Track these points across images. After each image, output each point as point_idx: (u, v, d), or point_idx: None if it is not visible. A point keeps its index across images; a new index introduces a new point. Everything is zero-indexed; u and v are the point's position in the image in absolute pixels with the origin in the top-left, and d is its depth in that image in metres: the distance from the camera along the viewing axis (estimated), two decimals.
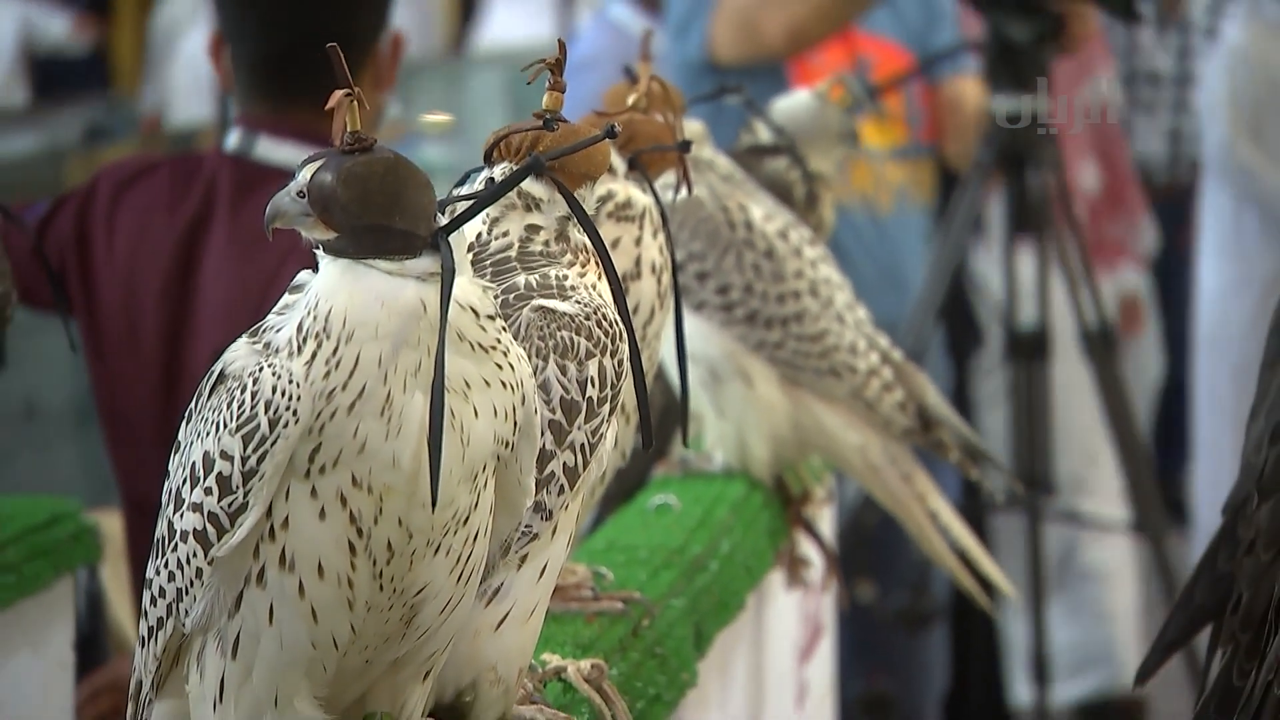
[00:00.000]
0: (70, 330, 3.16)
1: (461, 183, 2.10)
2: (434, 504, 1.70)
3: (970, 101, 4.91)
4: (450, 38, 13.12)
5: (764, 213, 2.89)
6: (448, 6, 13.62)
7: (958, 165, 4.89)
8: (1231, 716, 1.98)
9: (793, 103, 3.23)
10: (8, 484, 6.11)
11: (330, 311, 1.72)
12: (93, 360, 3.37)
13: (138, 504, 3.38)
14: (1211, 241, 6.84)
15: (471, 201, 1.82)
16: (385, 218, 1.72)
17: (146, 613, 1.83)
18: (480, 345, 1.75)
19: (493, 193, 1.85)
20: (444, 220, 1.77)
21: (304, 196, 1.74)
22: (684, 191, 2.41)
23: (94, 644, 3.88)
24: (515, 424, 1.80)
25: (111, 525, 3.56)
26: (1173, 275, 7.61)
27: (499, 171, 2.04)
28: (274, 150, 3.32)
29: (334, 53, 1.74)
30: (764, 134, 3.19)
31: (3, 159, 7.95)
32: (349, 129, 1.74)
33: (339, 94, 1.74)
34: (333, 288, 1.73)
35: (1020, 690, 5.79)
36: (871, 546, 4.42)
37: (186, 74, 10.12)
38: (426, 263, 1.73)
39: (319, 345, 1.71)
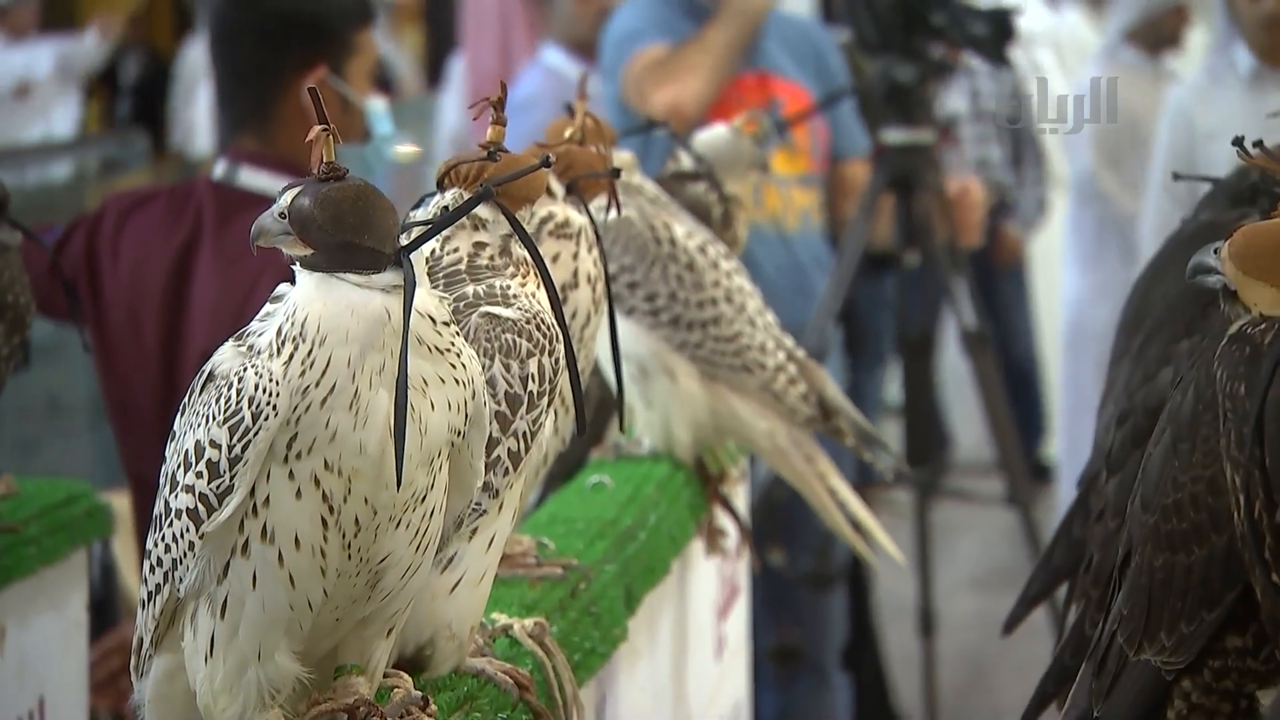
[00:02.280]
0: (83, 335, 3.16)
1: (417, 206, 2.09)
2: (399, 485, 1.70)
3: (860, 181, 4.92)
4: (424, 76, 13.08)
5: (685, 231, 2.89)
6: (421, 49, 13.61)
7: (843, 218, 4.90)
8: (1082, 660, 1.99)
9: (711, 135, 3.23)
10: (34, 469, 6.08)
11: (306, 318, 1.72)
12: (101, 360, 3.36)
13: (141, 484, 3.37)
14: (1075, 255, 6.87)
15: (429, 224, 1.82)
16: (356, 236, 1.72)
17: (146, 580, 1.83)
18: (436, 348, 1.75)
19: (449, 218, 1.85)
20: (406, 239, 1.77)
21: (284, 218, 1.74)
22: (614, 212, 2.41)
23: (107, 608, 3.86)
24: (466, 416, 1.80)
25: (124, 504, 3.54)
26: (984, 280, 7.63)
27: (450, 196, 2.04)
28: (254, 179, 3.32)
29: (312, 94, 1.74)
30: (686, 162, 3.19)
31: (41, 186, 7.91)
32: (324, 160, 1.74)
33: (316, 129, 1.74)
34: (308, 298, 1.73)
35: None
36: (780, 518, 4.42)
37: (206, 112, 10.09)
38: (391, 276, 1.73)
39: (296, 348, 1.71)
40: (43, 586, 2.84)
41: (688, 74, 4.49)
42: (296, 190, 1.74)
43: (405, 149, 3.89)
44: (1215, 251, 1.72)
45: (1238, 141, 1.95)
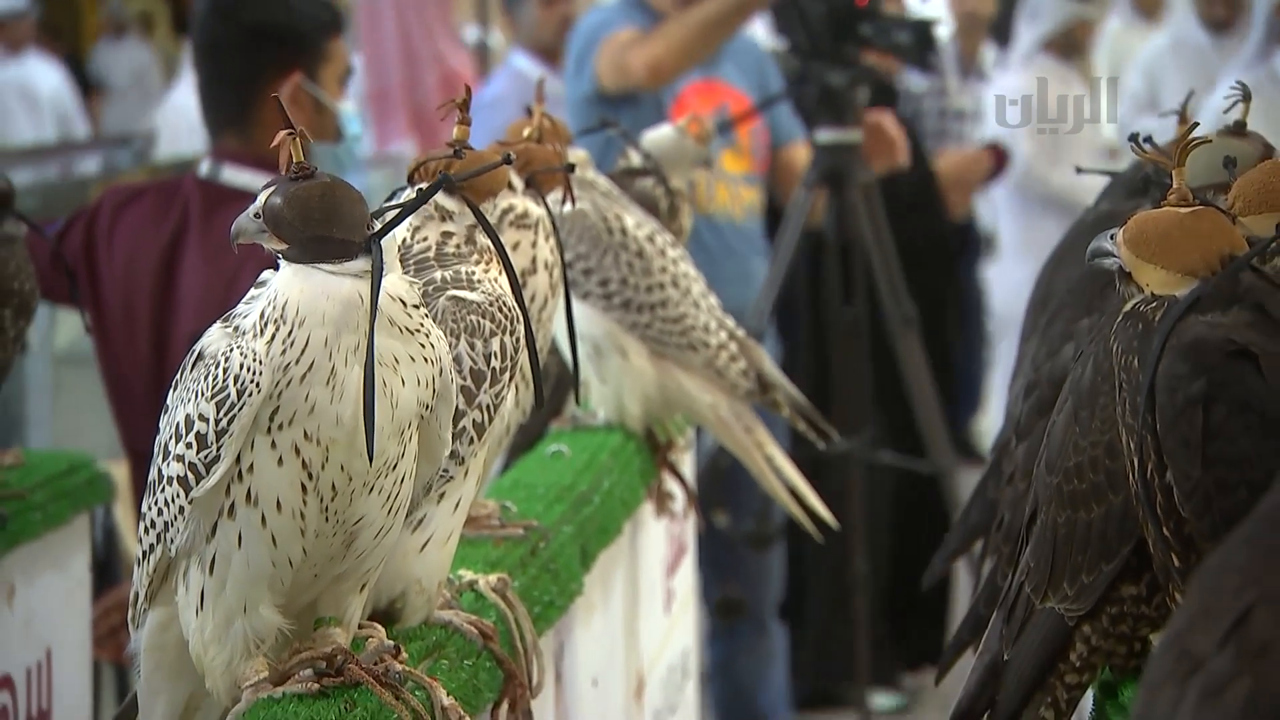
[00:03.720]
0: (84, 318, 3.17)
1: (390, 199, 2.09)
2: (370, 456, 1.70)
3: (799, 160, 4.92)
4: None
5: (635, 221, 2.89)
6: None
7: (787, 202, 4.90)
8: (994, 609, 2.00)
9: (658, 134, 3.24)
10: (42, 441, 6.06)
11: (286, 303, 1.72)
12: (99, 340, 3.35)
13: (135, 453, 3.36)
14: (1010, 244, 6.92)
15: (395, 212, 1.81)
16: (323, 230, 1.72)
17: (141, 540, 1.83)
18: (407, 329, 1.75)
19: (411, 206, 1.84)
20: (376, 228, 1.76)
21: (259, 217, 1.74)
22: (569, 205, 2.41)
23: (110, 568, 3.85)
24: (435, 391, 1.80)
25: (123, 473, 3.54)
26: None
27: (415, 190, 2.04)
28: (236, 176, 3.33)
29: (277, 101, 1.74)
30: (635, 159, 3.19)
31: (49, 184, 7.87)
32: (294, 160, 1.74)
33: (282, 133, 1.74)
34: (287, 284, 1.73)
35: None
36: (724, 484, 4.43)
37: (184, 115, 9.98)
38: (361, 263, 1.73)
39: (277, 329, 1.71)
40: (48, 548, 2.83)
41: (668, 38, 4.44)
42: (270, 190, 1.74)
43: None
44: (1111, 237, 1.73)
45: (1133, 138, 1.96)
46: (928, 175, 5.85)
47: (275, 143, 1.72)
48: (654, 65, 4.42)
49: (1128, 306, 1.72)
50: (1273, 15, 4.62)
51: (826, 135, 4.57)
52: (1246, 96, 2.08)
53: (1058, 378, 2.21)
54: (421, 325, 1.77)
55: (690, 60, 4.45)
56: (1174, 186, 1.70)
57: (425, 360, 1.77)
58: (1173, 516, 1.65)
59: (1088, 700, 1.98)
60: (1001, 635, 1.95)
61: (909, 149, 5.10)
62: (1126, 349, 1.69)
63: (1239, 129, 2.15)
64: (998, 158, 6.29)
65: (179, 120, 7.50)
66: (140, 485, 3.20)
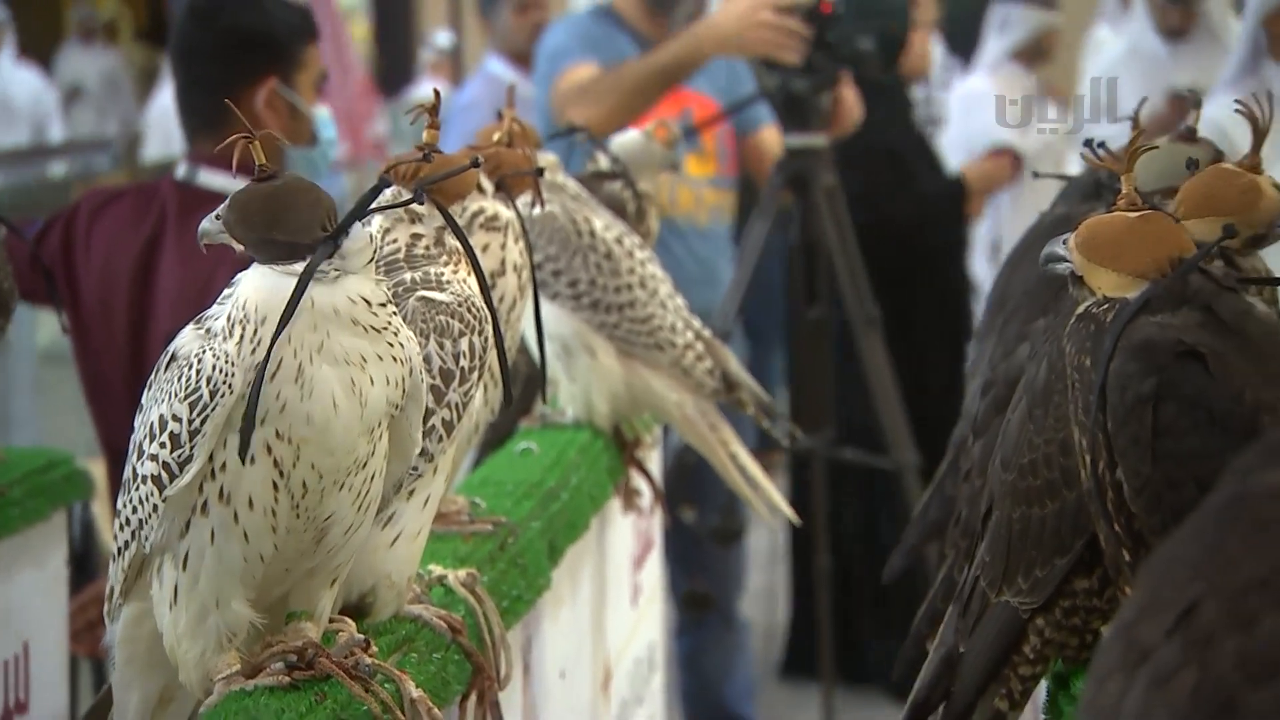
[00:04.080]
0: (61, 318, 3.15)
1: (365, 199, 2.08)
2: (243, 456, 1.67)
3: (772, 144, 4.92)
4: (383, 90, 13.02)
5: (604, 224, 2.90)
6: (375, 68, 13.53)
7: (761, 186, 4.89)
8: (950, 602, 2.01)
9: (626, 139, 3.24)
10: (26, 438, 6.03)
11: (247, 303, 1.71)
12: (77, 340, 3.34)
13: (112, 451, 3.35)
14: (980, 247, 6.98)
15: (349, 214, 1.79)
16: (265, 232, 1.71)
17: (116, 536, 1.82)
18: (373, 327, 1.74)
19: (359, 207, 1.79)
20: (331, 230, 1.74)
21: (219, 219, 1.74)
22: (538, 207, 2.41)
23: (87, 563, 3.83)
24: (404, 390, 1.79)
25: (101, 470, 3.52)
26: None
27: (390, 193, 2.02)
28: (213, 179, 3.32)
29: (231, 107, 1.74)
30: (604, 163, 3.20)
31: (29, 185, 7.83)
32: (257, 163, 1.73)
33: (234, 137, 1.73)
34: (251, 286, 1.72)
35: None
36: (691, 480, 4.42)
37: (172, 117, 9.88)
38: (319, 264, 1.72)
39: (244, 330, 1.70)
40: (26, 544, 2.82)
41: (602, 100, 4.42)
42: (236, 193, 1.74)
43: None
44: (1064, 242, 1.74)
45: (1087, 143, 1.97)
46: (957, 184, 5.89)
47: (223, 145, 1.72)
48: (591, 124, 4.42)
49: (1080, 309, 1.72)
50: (1258, 27, 4.54)
51: (792, 140, 4.57)
52: (1196, 104, 2.09)
53: (1013, 377, 2.22)
54: (389, 324, 1.76)
55: (626, 119, 4.39)
56: (1123, 191, 1.71)
57: (394, 360, 1.76)
58: (1123, 512, 1.66)
59: (1041, 691, 1.99)
60: (957, 628, 1.96)
61: (931, 160, 5.09)
62: (1079, 349, 1.70)
63: (1190, 135, 2.16)
64: (1015, 162, 6.33)
65: (168, 122, 7.47)
66: (117, 482, 3.19)
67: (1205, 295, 1.64)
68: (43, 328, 5.96)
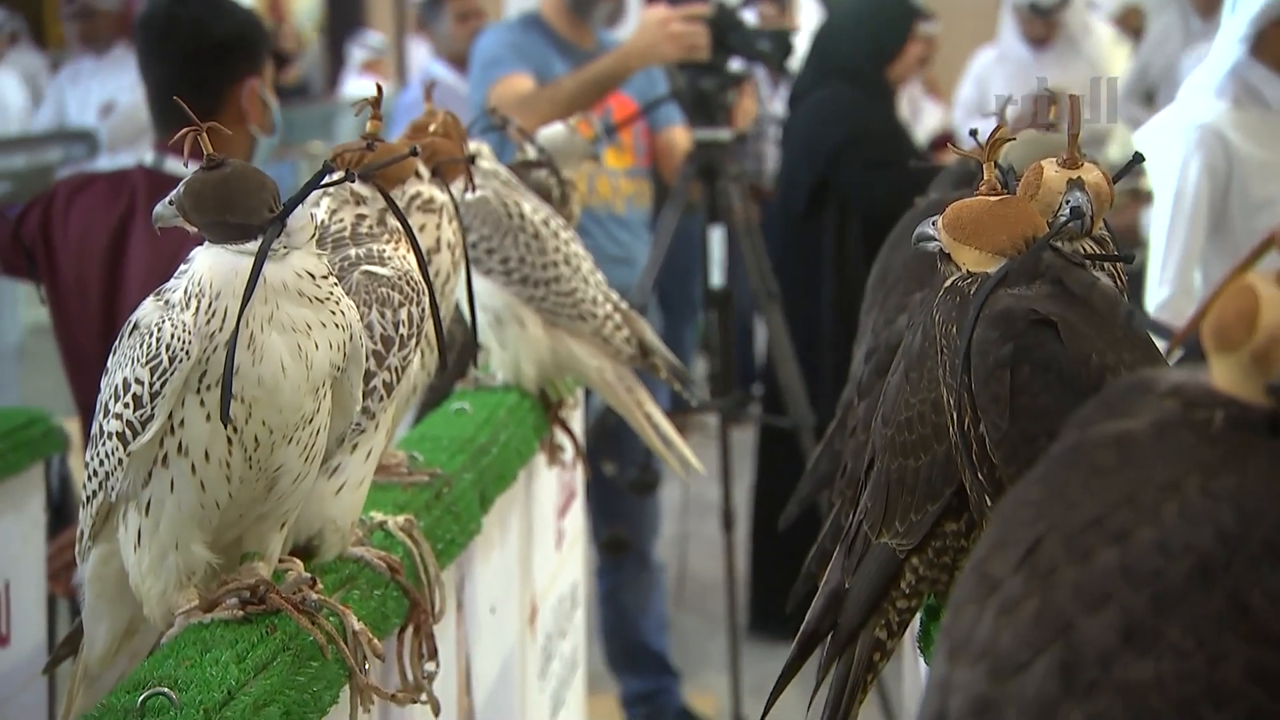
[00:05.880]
0: (40, 292, 3.12)
1: (311, 183, 2.06)
2: (225, 420, 1.66)
3: (679, 142, 4.92)
4: (324, 88, 12.88)
5: (532, 207, 2.89)
6: (324, 66, 13.39)
7: (671, 181, 4.89)
8: (837, 545, 2.02)
9: (551, 132, 3.23)
10: (9, 401, 5.95)
11: (202, 278, 1.70)
12: (55, 312, 3.30)
13: (87, 411, 3.31)
14: None
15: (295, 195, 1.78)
16: (218, 215, 1.70)
17: (85, 486, 1.81)
18: (317, 298, 1.73)
19: (304, 191, 1.77)
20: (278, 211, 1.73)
21: (173, 203, 1.73)
22: (471, 192, 2.40)
23: (65, 511, 3.78)
24: (345, 353, 1.78)
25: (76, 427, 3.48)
26: None
27: (335, 178, 2.01)
28: (178, 166, 3.28)
29: (181, 101, 1.72)
30: (531, 153, 3.19)
31: (20, 172, 7.69)
32: (205, 153, 1.72)
33: (185, 129, 1.71)
34: (205, 263, 1.71)
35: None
36: (612, 437, 4.44)
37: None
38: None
39: (199, 302, 1.69)
40: (7, 493, 2.80)
41: (540, 110, 4.39)
42: (185, 181, 1.73)
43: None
44: (934, 223, 1.75)
45: (973, 133, 1.97)
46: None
47: (177, 138, 1.70)
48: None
49: (948, 282, 1.73)
50: (1253, 33, 4.30)
51: (700, 134, 4.58)
52: (1053, 99, 2.10)
53: (894, 344, 2.23)
54: (331, 294, 1.75)
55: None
56: (985, 178, 1.72)
57: (336, 326, 1.75)
58: (985, 463, 1.67)
59: (916, 622, 2.00)
60: (843, 567, 1.97)
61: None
62: (946, 319, 1.71)
63: (1048, 127, 2.16)
64: None
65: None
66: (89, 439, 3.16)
67: (1056, 270, 1.66)
68: (31, 302, 5.88)
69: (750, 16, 4.69)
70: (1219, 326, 1.13)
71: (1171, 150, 4.06)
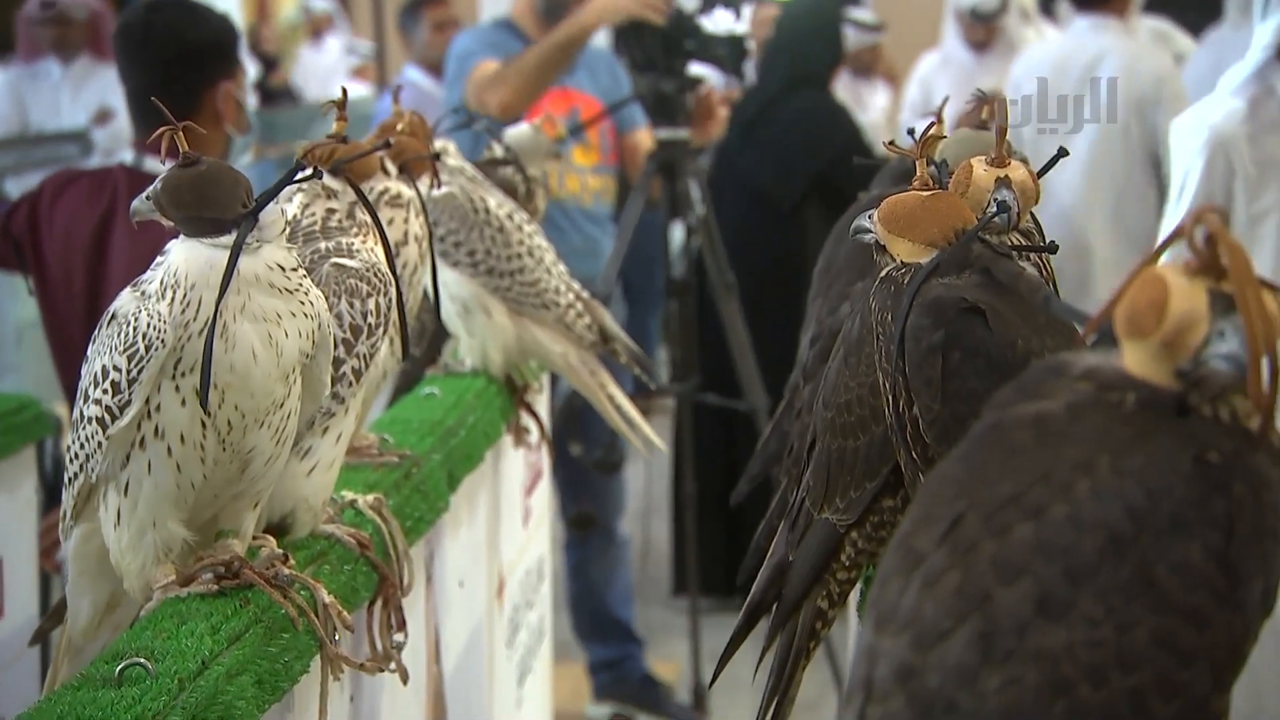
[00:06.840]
0: (28, 283, 3.11)
1: (284, 180, 2.04)
2: (204, 406, 1.65)
3: (643, 143, 4.92)
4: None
5: (496, 202, 2.88)
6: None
7: (635, 180, 4.89)
8: (782, 521, 2.02)
9: (518, 131, 3.22)
10: (7, 388, 5.90)
11: (178, 270, 1.68)
12: (43, 302, 3.27)
13: (74, 395, 3.29)
14: None
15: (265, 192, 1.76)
16: (194, 211, 1.69)
17: (67, 468, 1.79)
18: (286, 289, 1.72)
19: (277, 186, 1.75)
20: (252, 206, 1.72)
21: (149, 199, 1.71)
22: (436, 188, 2.39)
23: (58, 492, 3.76)
24: (314, 341, 1.77)
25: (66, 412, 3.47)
26: None
27: (306, 175, 2.00)
28: (157, 164, 3.26)
29: (157, 103, 1.71)
30: (498, 151, 3.18)
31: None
32: (182, 151, 1.70)
33: (162, 129, 1.70)
34: (180, 256, 1.70)
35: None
36: (578, 419, 4.43)
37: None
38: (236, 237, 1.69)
39: (175, 293, 1.68)
40: (0, 475, 2.77)
41: (510, 82, 4.44)
42: (160, 178, 1.71)
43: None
44: (870, 216, 1.75)
45: (910, 132, 1.97)
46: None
47: (155, 137, 1.69)
48: (505, 106, 4.43)
49: (883, 273, 1.73)
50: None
51: (661, 133, 4.57)
52: (988, 101, 2.09)
53: (837, 330, 2.22)
54: (300, 285, 1.74)
55: (534, 95, 4.46)
56: (918, 174, 1.72)
57: (305, 315, 1.74)
58: (919, 443, 1.67)
59: (855, 592, 2.01)
60: (788, 541, 1.97)
61: None
62: (882, 306, 1.71)
63: (982, 126, 2.16)
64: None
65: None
66: None
67: (985, 261, 1.66)
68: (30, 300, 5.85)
69: (746, 14, 4.75)
70: (1131, 314, 1.13)
71: (1185, 147, 3.95)
